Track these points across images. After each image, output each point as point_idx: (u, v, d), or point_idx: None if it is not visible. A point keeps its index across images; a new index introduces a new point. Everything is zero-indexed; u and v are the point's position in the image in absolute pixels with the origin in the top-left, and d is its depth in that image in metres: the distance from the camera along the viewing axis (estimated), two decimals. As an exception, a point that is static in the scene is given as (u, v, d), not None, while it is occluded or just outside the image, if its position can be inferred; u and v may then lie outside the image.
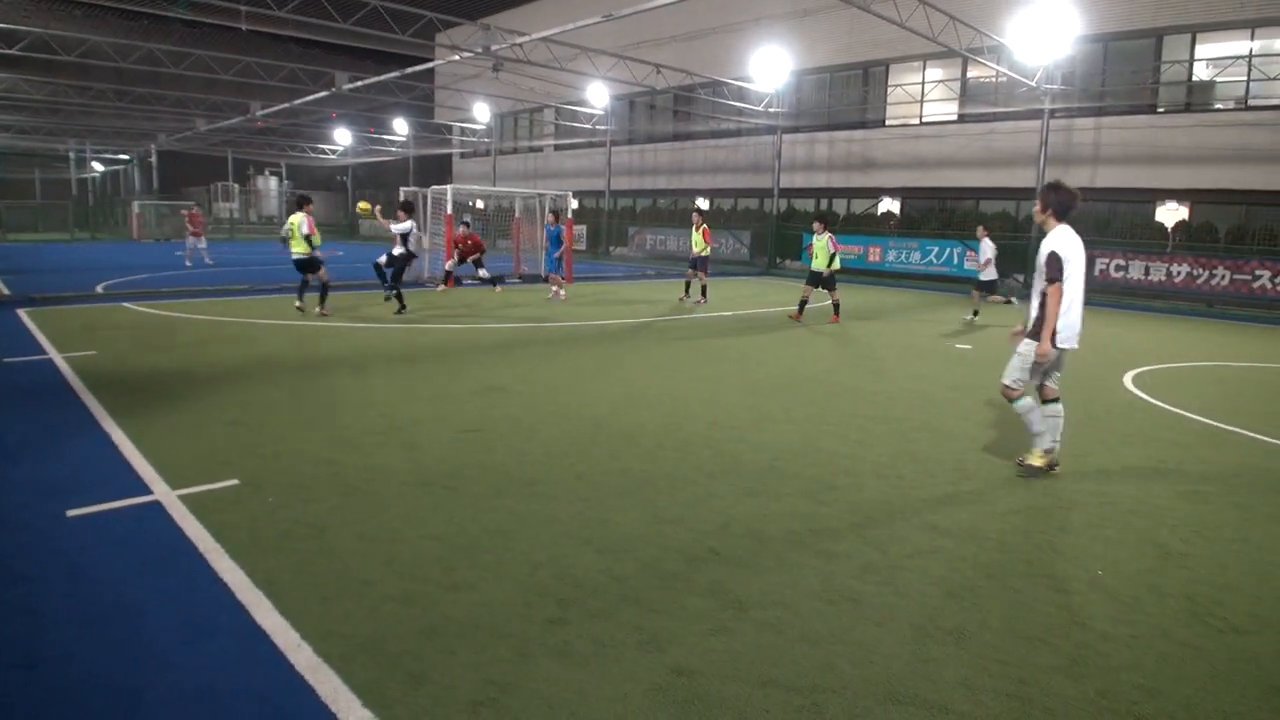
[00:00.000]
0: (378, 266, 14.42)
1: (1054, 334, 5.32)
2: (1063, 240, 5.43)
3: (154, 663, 3.07)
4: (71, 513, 4.48)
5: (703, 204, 33.43)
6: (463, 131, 44.12)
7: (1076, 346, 5.49)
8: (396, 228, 13.66)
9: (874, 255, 25.65)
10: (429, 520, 4.51)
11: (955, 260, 23.92)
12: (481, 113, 36.88)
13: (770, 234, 29.12)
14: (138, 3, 19.75)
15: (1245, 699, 3.04)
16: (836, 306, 14.64)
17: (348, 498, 4.82)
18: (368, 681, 2.96)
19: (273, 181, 57.51)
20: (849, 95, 29.11)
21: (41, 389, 7.52)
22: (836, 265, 14.26)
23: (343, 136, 45.70)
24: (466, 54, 22.78)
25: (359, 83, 28.06)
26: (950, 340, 12.54)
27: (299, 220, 12.61)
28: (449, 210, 19.28)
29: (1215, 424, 7.47)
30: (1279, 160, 20.61)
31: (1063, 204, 5.52)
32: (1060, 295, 5.31)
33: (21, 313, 12.49)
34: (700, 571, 3.94)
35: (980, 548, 4.35)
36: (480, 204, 34.90)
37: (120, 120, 41.25)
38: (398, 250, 13.69)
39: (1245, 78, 21.75)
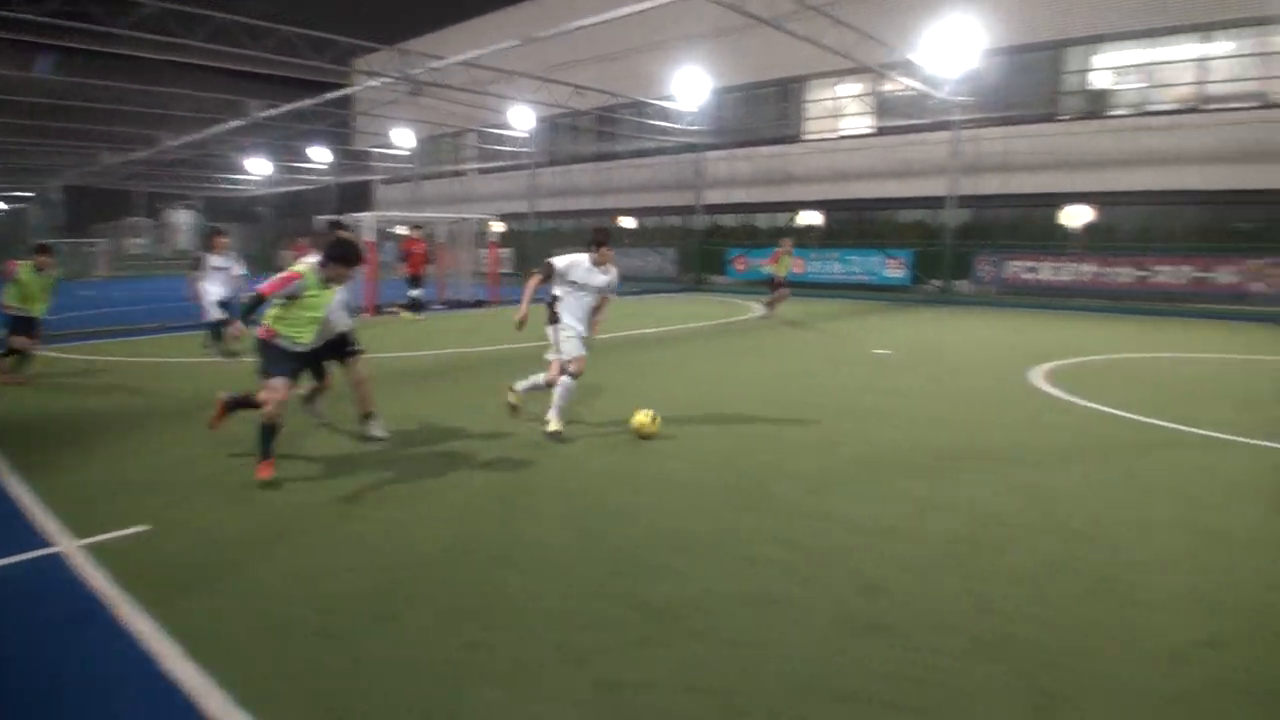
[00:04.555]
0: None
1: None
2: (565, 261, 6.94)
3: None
4: (-33, 566, 4.26)
5: (628, 222, 33.70)
6: (384, 157, 43.65)
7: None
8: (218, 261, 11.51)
9: (796, 267, 26.14)
10: (346, 554, 4.42)
11: (876, 269, 24.55)
12: (402, 138, 36.57)
13: (695, 251, 29.49)
14: (30, 32, 19.09)
15: (1146, 663, 3.19)
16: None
17: (262, 535, 4.70)
18: None
19: (187, 215, 55.87)
20: (768, 111, 29.72)
21: (-64, 438, 7.14)
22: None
23: (260, 166, 44.75)
24: (384, 79, 22.60)
25: (273, 110, 27.57)
26: (869, 346, 12.85)
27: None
28: (371, 238, 19.02)
29: (1119, 413, 7.81)
30: (1173, 162, 21.74)
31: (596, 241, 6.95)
32: (531, 288, 6.88)
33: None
34: (623, 584, 3.96)
35: (899, 542, 4.47)
36: (403, 230, 34.53)
37: (20, 156, 39.69)
38: (227, 292, 11.50)
39: (1139, 85, 22.96)
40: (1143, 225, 22.31)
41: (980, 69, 23.19)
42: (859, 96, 27.73)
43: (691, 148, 30.40)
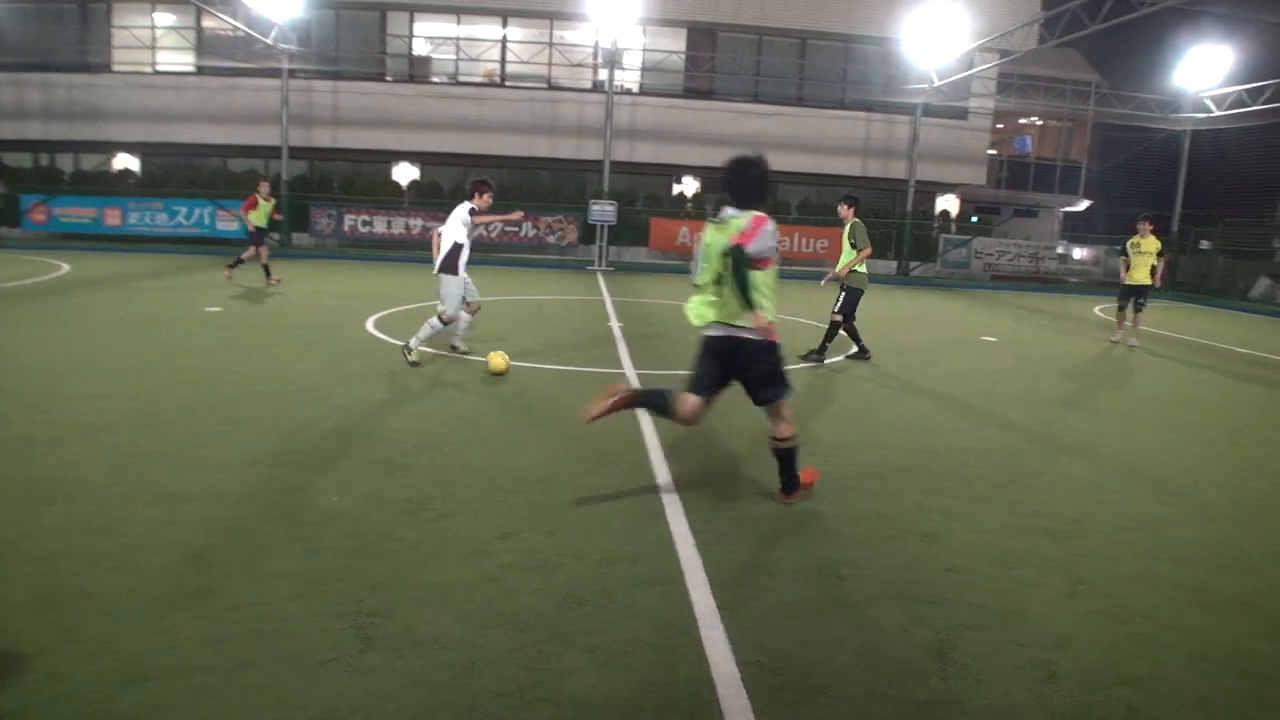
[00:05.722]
0: None
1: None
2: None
3: None
4: None
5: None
6: None
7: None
8: None
9: (113, 218, 23.03)
10: None
11: (207, 221, 23.01)
12: None
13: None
14: None
15: (461, 557, 3.74)
16: None
17: None
18: None
19: None
20: (65, 32, 25.17)
21: None
22: None
23: None
24: None
25: None
26: (201, 304, 12.11)
27: None
28: None
29: (430, 350, 8.79)
30: (481, 130, 24.71)
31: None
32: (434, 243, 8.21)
33: None
34: None
35: (225, 506, 4.40)
36: None
37: None
38: None
39: (453, 57, 25.40)
40: (460, 184, 25.01)
41: (309, 20, 23.05)
42: (177, 29, 25.22)
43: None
